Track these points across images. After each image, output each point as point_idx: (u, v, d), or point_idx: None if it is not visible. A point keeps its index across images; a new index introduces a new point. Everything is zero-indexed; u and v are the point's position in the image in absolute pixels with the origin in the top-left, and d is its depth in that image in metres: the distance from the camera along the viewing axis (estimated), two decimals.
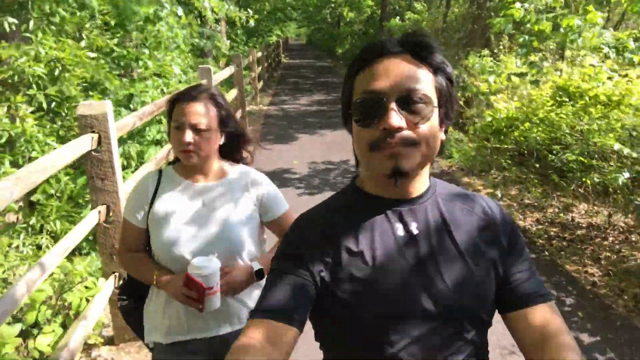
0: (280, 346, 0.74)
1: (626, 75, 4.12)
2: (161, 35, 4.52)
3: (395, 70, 0.78)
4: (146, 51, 4.48)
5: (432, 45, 0.82)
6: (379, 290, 0.79)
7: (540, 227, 4.03)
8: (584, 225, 3.98)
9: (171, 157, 2.17)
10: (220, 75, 5.87)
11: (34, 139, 3.02)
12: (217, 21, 6.10)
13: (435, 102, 0.80)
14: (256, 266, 1.44)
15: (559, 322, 0.81)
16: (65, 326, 2.36)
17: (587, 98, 3.72)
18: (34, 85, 3.11)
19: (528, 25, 4.80)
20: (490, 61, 6.05)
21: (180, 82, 5.01)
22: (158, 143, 4.39)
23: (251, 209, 1.49)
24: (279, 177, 5.34)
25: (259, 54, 11.72)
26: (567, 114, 3.81)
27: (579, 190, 3.78)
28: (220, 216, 1.44)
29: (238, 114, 7.24)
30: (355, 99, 0.81)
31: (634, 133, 3.25)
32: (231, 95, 6.89)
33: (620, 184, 2.82)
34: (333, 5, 24.66)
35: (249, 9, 7.83)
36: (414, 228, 0.83)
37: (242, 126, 1.54)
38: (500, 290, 0.85)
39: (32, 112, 3.16)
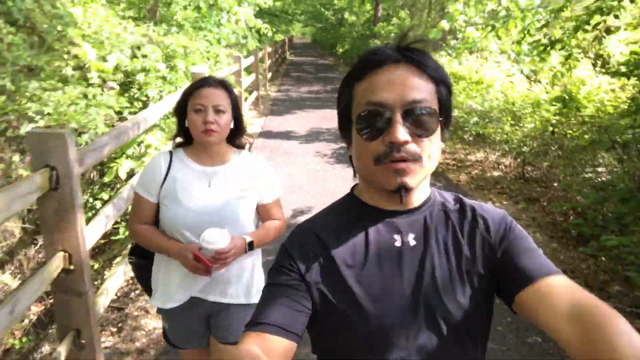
0: (275, 358, 0.74)
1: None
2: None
3: (399, 80, 0.77)
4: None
5: (429, 53, 0.81)
6: (377, 301, 0.78)
7: (447, 161, 6.41)
8: (471, 159, 6.38)
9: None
10: (245, 62, 8.21)
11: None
12: (250, 28, 8.29)
13: (438, 114, 0.79)
14: (248, 239, 1.57)
15: (584, 291, 0.72)
16: None
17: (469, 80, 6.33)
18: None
19: (459, 34, 7.23)
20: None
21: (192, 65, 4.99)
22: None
23: (251, 192, 1.61)
24: (287, 135, 7.66)
25: (269, 50, 14.04)
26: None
27: (470, 138, 6.22)
28: (225, 196, 1.57)
29: (254, 95, 9.57)
30: (359, 112, 0.79)
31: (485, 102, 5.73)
32: (249, 79, 9.21)
33: (471, 125, 5.32)
34: (336, 7, 26.89)
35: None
36: (411, 239, 0.82)
37: (242, 117, 1.67)
38: (503, 281, 0.81)
39: None
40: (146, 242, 1.59)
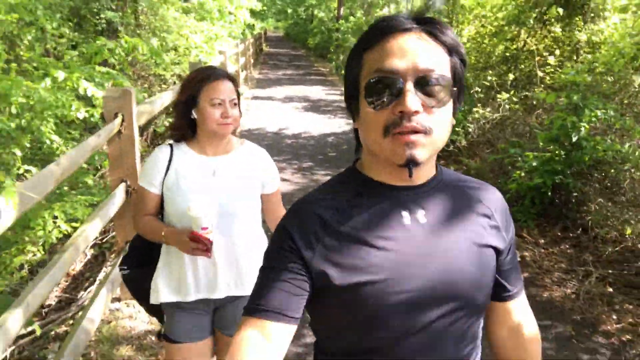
0: (276, 343, 0.75)
1: None
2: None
3: (412, 48, 0.73)
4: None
5: (444, 23, 0.78)
6: (384, 280, 0.77)
7: None
8: None
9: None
10: (239, 49, 11.51)
11: None
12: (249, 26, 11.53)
13: (451, 84, 0.76)
14: None
15: (529, 312, 0.94)
16: None
17: None
18: None
19: None
20: None
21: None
22: None
23: (254, 181, 1.65)
24: (270, 98, 10.99)
25: (251, 40, 17.22)
26: None
27: None
28: (230, 185, 1.60)
29: (243, 74, 12.79)
30: (369, 79, 0.75)
31: None
32: (241, 61, 12.45)
33: None
34: (307, 5, 30.10)
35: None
36: (420, 216, 0.81)
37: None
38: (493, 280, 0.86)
39: None
40: (148, 231, 1.61)
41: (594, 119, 3.43)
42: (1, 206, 1.49)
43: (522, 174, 4.01)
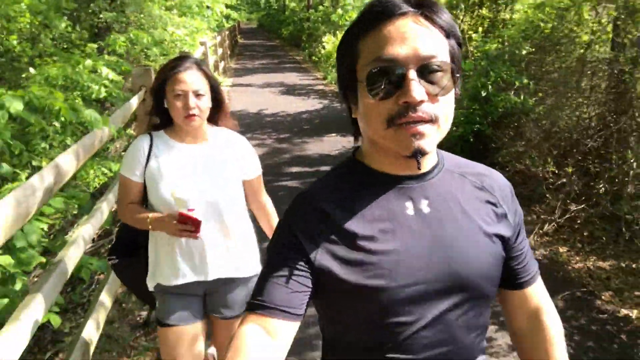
0: (279, 340, 0.74)
1: None
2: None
3: (411, 33, 0.71)
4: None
5: (439, 4, 0.75)
6: (389, 273, 0.76)
7: None
8: None
9: None
10: (216, 40, 12.35)
11: None
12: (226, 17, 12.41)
13: (454, 70, 0.74)
14: None
15: (546, 296, 0.92)
16: None
17: None
18: None
19: None
20: None
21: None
22: None
23: (235, 167, 1.67)
24: (249, 85, 11.88)
25: (226, 32, 17.98)
26: None
27: None
28: (210, 173, 1.62)
29: (222, 65, 13.62)
30: (370, 69, 0.72)
31: None
32: (219, 52, 13.28)
33: None
34: None
35: None
36: (424, 206, 0.80)
37: (223, 95, 1.71)
38: (504, 267, 0.86)
39: None
40: (134, 219, 1.63)
41: (498, 79, 4.50)
42: (61, 159, 1.78)
43: (453, 128, 5.10)
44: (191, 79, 1.57)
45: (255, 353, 0.72)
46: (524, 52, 4.55)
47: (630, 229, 3.38)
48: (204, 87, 1.60)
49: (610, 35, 4.26)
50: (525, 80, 4.56)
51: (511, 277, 0.89)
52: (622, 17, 4.03)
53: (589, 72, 4.43)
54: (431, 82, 0.71)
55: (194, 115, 1.56)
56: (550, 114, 4.53)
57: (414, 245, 0.78)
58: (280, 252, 0.81)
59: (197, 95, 1.57)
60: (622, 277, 3.04)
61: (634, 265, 3.11)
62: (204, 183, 1.61)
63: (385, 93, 0.72)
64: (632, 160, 3.60)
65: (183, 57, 1.64)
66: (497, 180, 0.88)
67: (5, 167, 2.23)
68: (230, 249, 1.67)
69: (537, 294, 0.91)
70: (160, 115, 1.66)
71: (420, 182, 0.81)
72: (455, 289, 0.79)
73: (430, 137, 0.73)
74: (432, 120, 0.72)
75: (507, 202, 0.87)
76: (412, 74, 0.70)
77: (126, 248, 1.76)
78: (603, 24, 4.39)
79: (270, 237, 1.73)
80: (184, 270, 1.64)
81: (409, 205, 0.80)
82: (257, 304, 0.77)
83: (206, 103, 1.61)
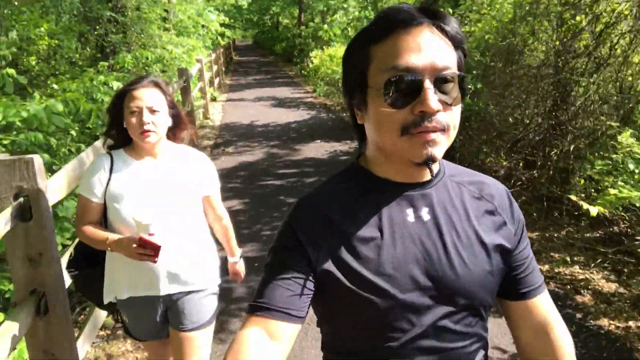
0: (280, 342, 0.75)
1: None
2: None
3: (428, 44, 0.73)
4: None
5: (449, 15, 0.77)
6: (388, 279, 0.77)
7: None
8: None
9: None
10: (211, 57, 13.11)
11: None
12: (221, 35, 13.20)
13: (464, 81, 0.75)
14: (237, 257, 1.91)
15: (554, 310, 0.88)
16: None
17: None
18: None
19: None
20: None
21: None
22: None
23: (195, 184, 1.70)
24: (242, 99, 12.60)
25: (221, 50, 18.79)
26: None
27: None
28: (169, 189, 1.64)
29: (217, 81, 14.34)
30: (388, 77, 0.73)
31: None
32: (214, 68, 14.03)
33: None
34: (272, 13, 31.70)
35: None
36: (424, 214, 0.81)
37: (181, 113, 1.74)
38: (506, 277, 0.85)
39: None
40: (91, 238, 1.62)
41: None
42: (97, 143, 2.24)
43: None
44: (145, 96, 1.60)
45: (255, 355, 0.72)
46: (476, 59, 5.27)
47: (558, 208, 4.04)
48: (160, 104, 1.62)
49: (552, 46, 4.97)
50: (480, 85, 5.26)
51: (513, 287, 0.88)
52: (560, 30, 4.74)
53: (531, 75, 5.13)
54: (444, 92, 0.73)
55: (148, 131, 1.58)
56: (501, 113, 5.23)
57: (412, 252, 0.79)
58: (282, 254, 0.81)
59: (152, 111, 1.59)
60: (543, 242, 3.69)
61: (555, 234, 3.76)
62: (162, 200, 1.63)
63: (401, 102, 0.73)
64: (565, 149, 4.27)
65: (142, 76, 1.68)
66: (495, 188, 0.89)
67: (46, 157, 2.88)
68: (183, 264, 1.68)
69: (543, 306, 0.89)
70: (121, 134, 1.68)
71: (422, 189, 0.83)
72: (451, 296, 0.79)
73: (441, 145, 0.75)
74: (444, 129, 0.74)
75: (505, 210, 0.87)
76: (429, 84, 0.72)
77: (85, 260, 1.75)
78: (544, 37, 5.11)
79: (227, 250, 1.87)
80: (140, 284, 1.66)
81: (409, 212, 0.81)
82: (258, 306, 0.77)
83: (162, 119, 1.63)
